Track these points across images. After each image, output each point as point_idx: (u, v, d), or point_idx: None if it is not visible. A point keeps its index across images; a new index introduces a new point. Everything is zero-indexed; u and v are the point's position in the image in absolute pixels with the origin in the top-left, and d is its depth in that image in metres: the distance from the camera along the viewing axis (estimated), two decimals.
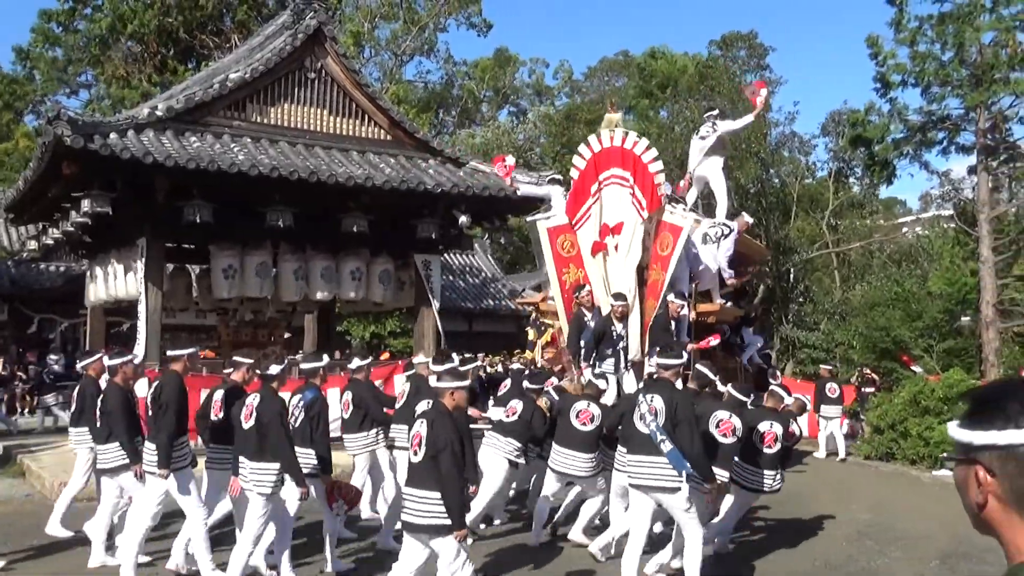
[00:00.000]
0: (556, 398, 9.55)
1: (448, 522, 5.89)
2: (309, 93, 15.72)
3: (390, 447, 9.65)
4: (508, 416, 9.22)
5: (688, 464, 7.18)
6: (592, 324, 11.52)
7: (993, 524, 1.62)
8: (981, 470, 1.61)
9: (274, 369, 7.30)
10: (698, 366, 8.64)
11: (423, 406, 7.25)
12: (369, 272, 16.29)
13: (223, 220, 14.13)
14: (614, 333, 11.37)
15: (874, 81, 22.20)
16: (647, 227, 12.46)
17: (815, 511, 11.32)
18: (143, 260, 14.33)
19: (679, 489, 7.27)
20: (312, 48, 15.68)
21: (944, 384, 15.68)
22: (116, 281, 15.56)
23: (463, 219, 15.61)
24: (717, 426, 8.34)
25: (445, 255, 27.50)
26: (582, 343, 11.45)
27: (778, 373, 14.60)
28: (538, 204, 17.29)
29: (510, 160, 15.36)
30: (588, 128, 41.27)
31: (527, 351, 20.39)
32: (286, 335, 20.23)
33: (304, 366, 8.32)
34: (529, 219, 13.61)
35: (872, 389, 20.08)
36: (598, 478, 9.03)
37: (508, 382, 11.38)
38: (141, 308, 14.27)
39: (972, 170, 23.46)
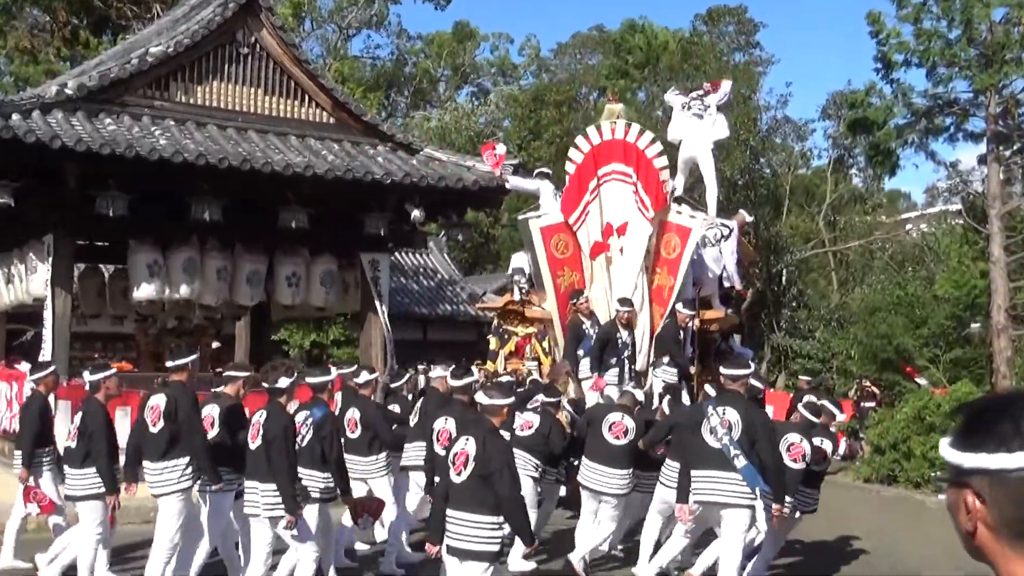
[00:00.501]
0: (572, 411, 10.00)
1: (495, 548, 6.26)
2: (241, 70, 15.62)
3: (403, 469, 9.86)
4: (523, 430, 9.42)
5: (763, 482, 7.58)
6: (591, 332, 11.84)
7: (985, 552, 1.65)
8: (970, 495, 1.63)
9: (283, 382, 7.64)
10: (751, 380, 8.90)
11: (458, 422, 7.80)
12: (309, 273, 16.22)
13: (142, 213, 13.99)
14: (619, 341, 11.76)
15: (875, 61, 22.51)
16: (653, 228, 12.74)
17: (810, 538, 11.45)
18: (50, 259, 14.16)
19: (750, 507, 7.71)
20: (245, 19, 15.60)
21: (951, 398, 15.95)
22: (19, 283, 15.36)
23: (416, 213, 15.58)
24: (788, 450, 8.65)
25: (396, 254, 27.48)
26: (580, 353, 11.77)
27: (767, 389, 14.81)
28: (500, 197, 17.35)
29: (501, 148, 15.62)
30: (558, 111, 41.50)
31: (488, 362, 20.43)
32: (214, 344, 20.06)
33: (312, 380, 8.44)
34: (521, 217, 13.90)
35: (872, 404, 20.36)
36: (625, 499, 9.36)
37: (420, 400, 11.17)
38: (47, 314, 14.09)
39: (982, 160, 23.83)
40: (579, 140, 13.31)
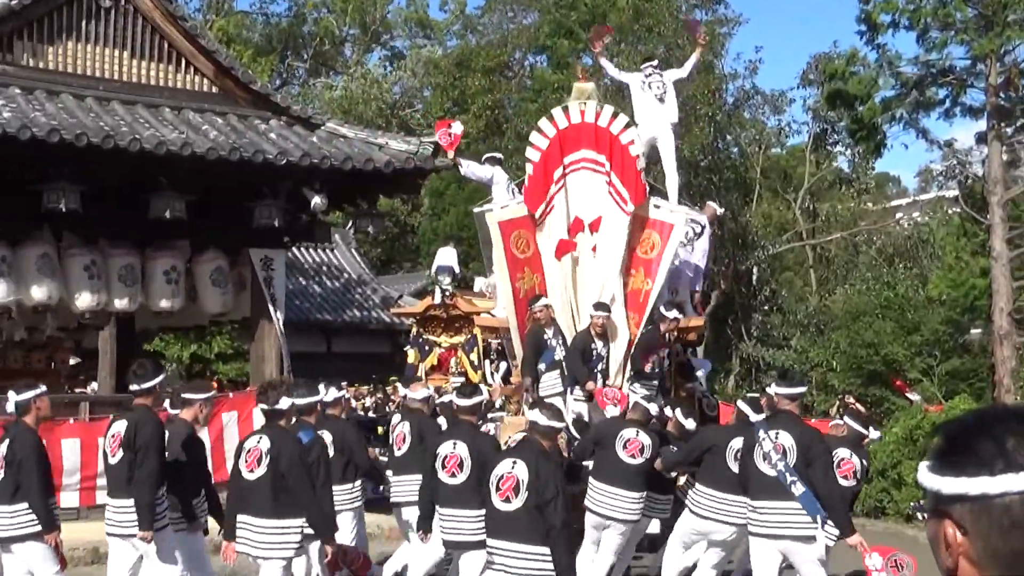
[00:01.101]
0: (572, 430, 10.50)
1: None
2: (103, 28, 15.44)
3: (395, 505, 10.36)
4: None
5: (822, 509, 8.10)
6: (554, 343, 12.07)
7: None
8: (950, 526, 1.67)
9: (284, 403, 7.96)
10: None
11: (469, 446, 8.31)
12: (193, 272, 16.10)
13: None
14: (594, 352, 11.98)
15: (858, 23, 22.92)
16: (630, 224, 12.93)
17: None
18: None
19: (813, 538, 8.23)
20: None
21: (948, 416, 16.30)
22: None
23: (317, 201, 15.54)
24: (838, 466, 9.09)
25: (293, 250, 27.29)
26: (541, 367, 11.91)
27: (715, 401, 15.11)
28: (419, 181, 17.37)
29: (457, 127, 15.35)
30: (487, 78, 41.56)
31: (405, 377, 20.39)
32: (73, 360, 19.78)
33: (299, 401, 8.63)
34: (477, 210, 14.14)
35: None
36: (634, 527, 9.81)
37: (406, 424, 11.12)
38: None
39: (981, 139, 24.38)
40: (543, 123, 13.39)
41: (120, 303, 15.67)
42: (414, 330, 19.74)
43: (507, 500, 6.75)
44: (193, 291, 16.12)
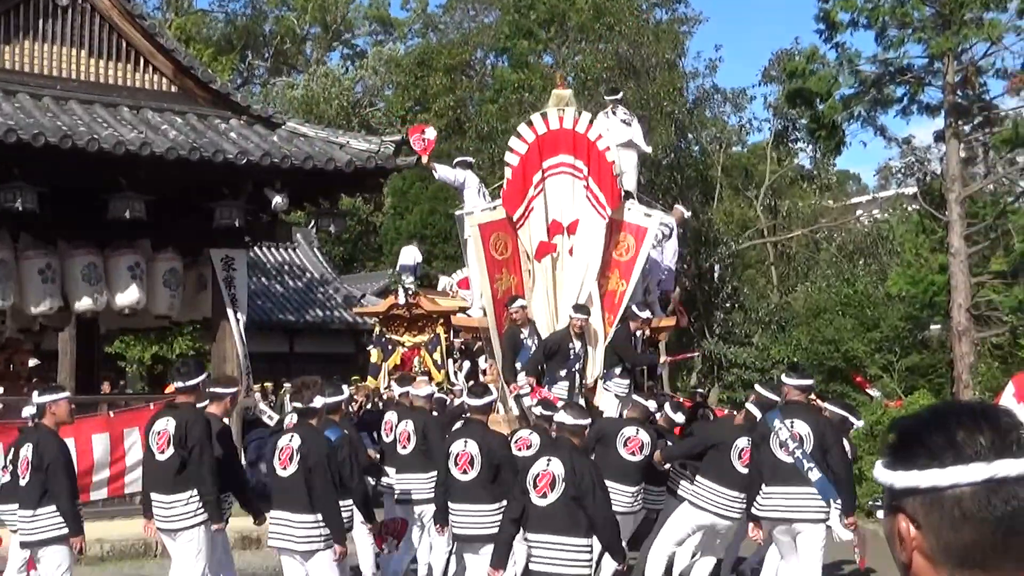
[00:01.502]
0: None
1: (588, 571, 7.32)
2: (60, 27, 15.31)
3: (404, 502, 10.61)
4: (521, 450, 9.80)
5: (836, 493, 8.69)
6: (530, 343, 12.60)
7: None
8: (903, 520, 1.68)
9: (317, 402, 8.31)
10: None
11: (480, 444, 8.79)
12: (150, 273, 15.97)
13: None
14: (571, 352, 12.39)
15: (817, 21, 23.07)
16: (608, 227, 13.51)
17: None
18: None
19: (824, 520, 8.78)
20: None
21: (907, 411, 16.43)
22: None
23: (278, 200, 15.47)
24: None
25: (255, 249, 27.18)
26: (518, 366, 12.41)
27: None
28: (380, 181, 17.32)
29: (431, 133, 15.75)
30: (448, 77, 41.54)
31: (369, 377, 20.38)
32: (32, 362, 19.60)
33: (328, 400, 8.98)
34: (457, 213, 14.65)
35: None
36: (633, 518, 10.24)
37: (409, 422, 11.19)
38: None
39: (939, 136, 24.59)
40: (522, 129, 13.84)
41: (84, 303, 15.51)
42: (377, 329, 19.76)
43: (544, 495, 7.22)
44: (148, 292, 16.00)
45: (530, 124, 13.85)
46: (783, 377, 9.78)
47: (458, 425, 10.22)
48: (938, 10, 22.13)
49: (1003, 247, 24.28)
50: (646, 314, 13.22)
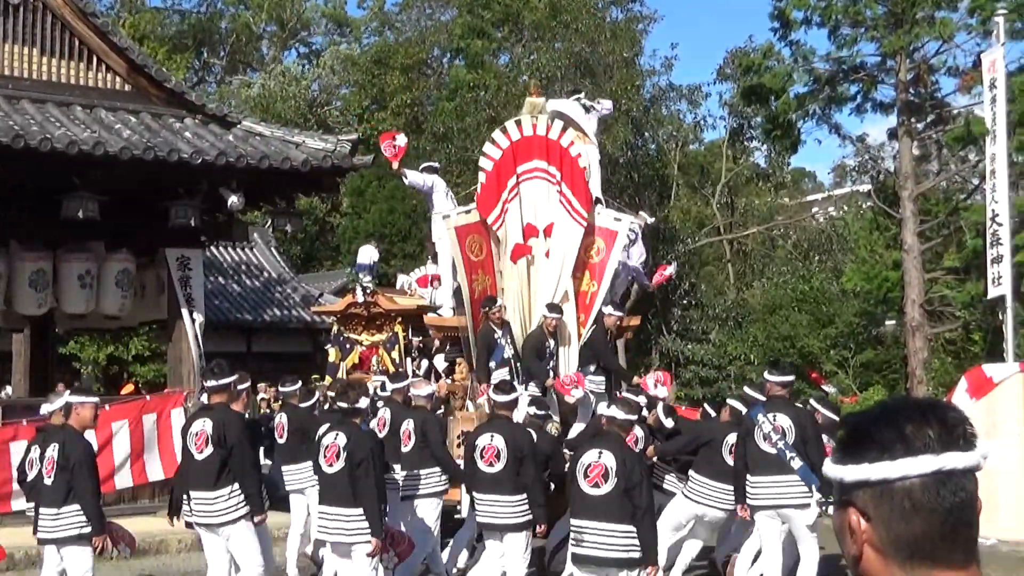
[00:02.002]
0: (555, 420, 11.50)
1: (637, 555, 7.83)
2: (11, 25, 15.17)
3: (408, 497, 10.82)
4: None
5: (817, 480, 9.12)
6: (503, 343, 13.06)
7: None
8: (854, 514, 1.71)
9: (363, 402, 8.89)
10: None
11: (507, 439, 9.24)
12: (102, 274, 15.85)
13: None
14: (547, 350, 13.02)
15: (771, 19, 23.24)
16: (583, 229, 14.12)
17: None
18: None
19: (809, 505, 9.37)
20: None
21: (862, 407, 16.57)
22: None
23: (234, 200, 15.41)
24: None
25: (211, 249, 27.02)
26: (492, 364, 12.84)
27: None
28: (337, 180, 17.31)
29: (401, 139, 15.91)
30: (405, 76, 41.45)
31: (327, 376, 20.32)
32: None
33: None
34: (436, 215, 15.18)
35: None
36: None
37: (410, 421, 11.34)
38: None
39: (893, 134, 24.85)
40: (497, 135, 14.24)
41: (28, 309, 15.41)
42: (335, 328, 19.67)
43: (596, 486, 7.84)
44: (100, 293, 15.88)
45: (504, 131, 14.24)
46: (765, 374, 10.38)
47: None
48: (890, 9, 22.36)
49: (956, 243, 24.59)
50: (618, 313, 13.86)
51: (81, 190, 14.59)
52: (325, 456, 8.57)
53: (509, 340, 13.15)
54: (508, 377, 12.54)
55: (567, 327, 13.63)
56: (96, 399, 9.18)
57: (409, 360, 19.14)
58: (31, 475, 9.04)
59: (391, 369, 18.34)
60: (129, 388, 20.16)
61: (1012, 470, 12.81)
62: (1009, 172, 17.68)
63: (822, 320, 27.08)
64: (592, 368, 13.40)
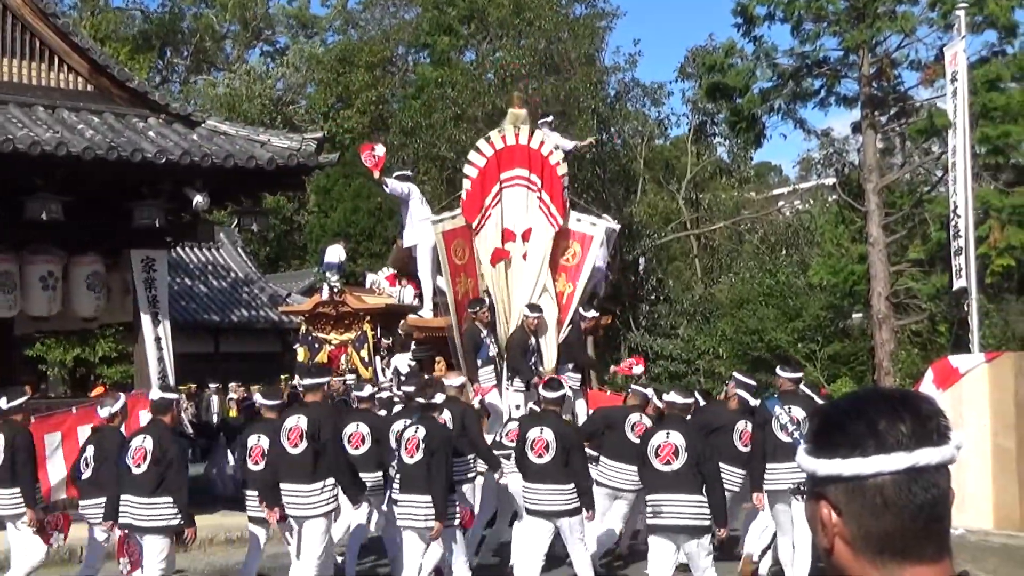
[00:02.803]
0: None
1: (708, 522, 9.00)
2: None
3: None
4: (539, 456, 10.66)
5: None
6: (488, 342, 13.96)
7: (844, 573, 1.70)
8: (825, 507, 1.70)
9: (438, 398, 9.77)
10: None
11: (555, 432, 9.93)
12: (70, 276, 15.75)
13: None
14: (529, 347, 13.99)
15: (734, 15, 23.34)
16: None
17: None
18: None
19: None
20: None
21: (830, 399, 16.68)
22: None
23: (199, 199, 15.33)
24: None
25: (176, 249, 26.88)
26: (479, 362, 13.73)
27: None
28: (302, 179, 17.33)
29: (380, 149, 16.93)
30: (370, 74, 41.38)
31: (296, 376, 20.26)
32: None
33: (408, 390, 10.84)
34: (426, 219, 15.84)
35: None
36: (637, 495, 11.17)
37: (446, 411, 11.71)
38: None
39: (856, 128, 25.02)
40: (481, 144, 15.21)
41: None
42: (303, 328, 19.64)
43: (668, 463, 9.01)
44: (67, 295, 15.77)
45: (489, 140, 15.21)
46: (778, 371, 11.14)
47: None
48: (852, 3, 22.52)
49: (920, 236, 24.76)
50: (592, 314, 14.82)
51: (44, 191, 14.50)
52: (406, 448, 9.41)
53: (493, 339, 14.04)
54: (492, 374, 13.63)
55: (547, 325, 14.50)
56: (177, 396, 10.23)
57: (378, 358, 19.14)
58: (85, 473, 9.97)
59: (360, 368, 18.36)
60: (100, 390, 20.01)
61: (979, 461, 12.89)
62: (972, 164, 17.82)
63: (789, 314, 27.19)
64: (570, 366, 14.28)
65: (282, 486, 9.39)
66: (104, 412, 10.09)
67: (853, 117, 24.86)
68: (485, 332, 13.95)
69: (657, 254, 37.22)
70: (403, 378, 15.23)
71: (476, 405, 13.09)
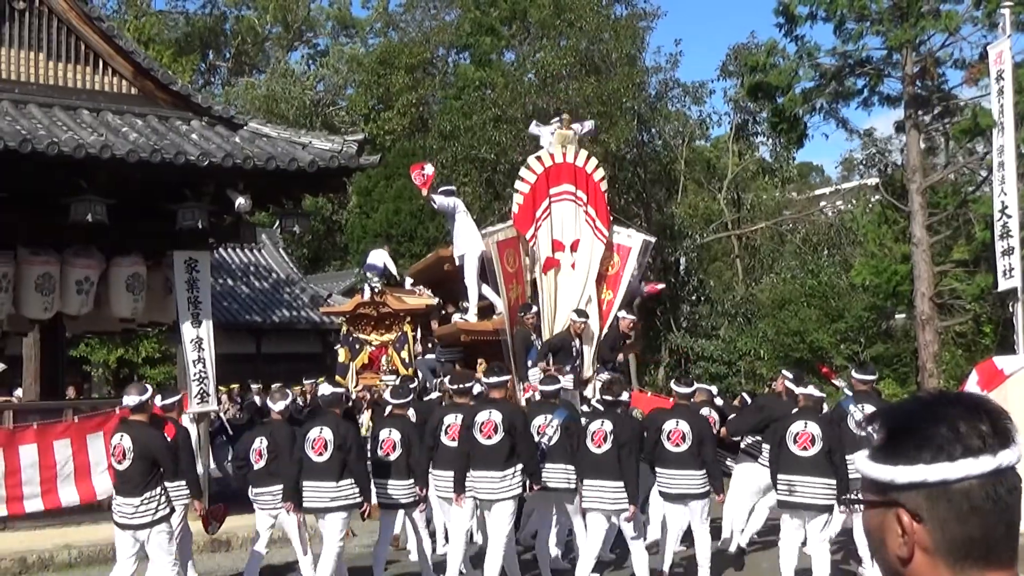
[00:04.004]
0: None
1: (834, 503, 10.12)
2: (17, 30, 15.18)
3: (541, 488, 11.42)
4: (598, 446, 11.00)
5: None
6: (537, 344, 15.43)
7: None
8: (905, 515, 1.66)
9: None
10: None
11: (615, 424, 10.64)
12: (110, 277, 15.87)
13: None
14: (573, 349, 15.29)
15: (776, 15, 23.20)
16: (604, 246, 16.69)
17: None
18: None
19: None
20: None
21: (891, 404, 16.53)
22: None
23: (241, 201, 15.40)
24: None
25: (219, 251, 27.06)
26: (529, 363, 15.03)
27: None
28: (343, 180, 17.45)
29: (429, 169, 18.17)
30: (410, 76, 41.45)
31: (337, 376, 20.32)
32: None
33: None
34: (482, 232, 17.09)
35: None
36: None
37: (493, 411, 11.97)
38: None
39: (900, 127, 24.82)
40: (532, 162, 16.88)
41: (34, 312, 15.43)
42: (344, 329, 19.71)
43: (805, 448, 10.29)
44: (105, 296, 15.88)
45: (539, 159, 16.85)
46: (853, 373, 12.44)
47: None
48: (895, 2, 22.32)
49: (965, 236, 24.53)
50: (632, 317, 16.44)
51: (89, 193, 14.60)
52: (594, 440, 10.55)
53: (540, 341, 15.58)
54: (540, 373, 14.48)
55: (592, 329, 16.02)
56: (343, 389, 11.42)
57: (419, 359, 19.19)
58: (258, 464, 10.72)
59: (400, 369, 18.41)
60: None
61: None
62: (1017, 164, 17.65)
63: (831, 314, 27.03)
64: (608, 367, 15.68)
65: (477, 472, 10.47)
66: (129, 400, 9.96)
67: (896, 116, 24.68)
68: (534, 336, 15.51)
69: (699, 255, 37.07)
70: (439, 379, 16.19)
71: (523, 402, 13.77)
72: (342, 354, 19.46)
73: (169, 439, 10.16)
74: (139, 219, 15.76)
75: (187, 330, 15.79)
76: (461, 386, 11.36)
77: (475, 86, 33.95)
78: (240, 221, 17.16)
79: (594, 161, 17.10)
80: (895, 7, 22.31)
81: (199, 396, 15.40)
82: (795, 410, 11.19)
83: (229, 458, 16.27)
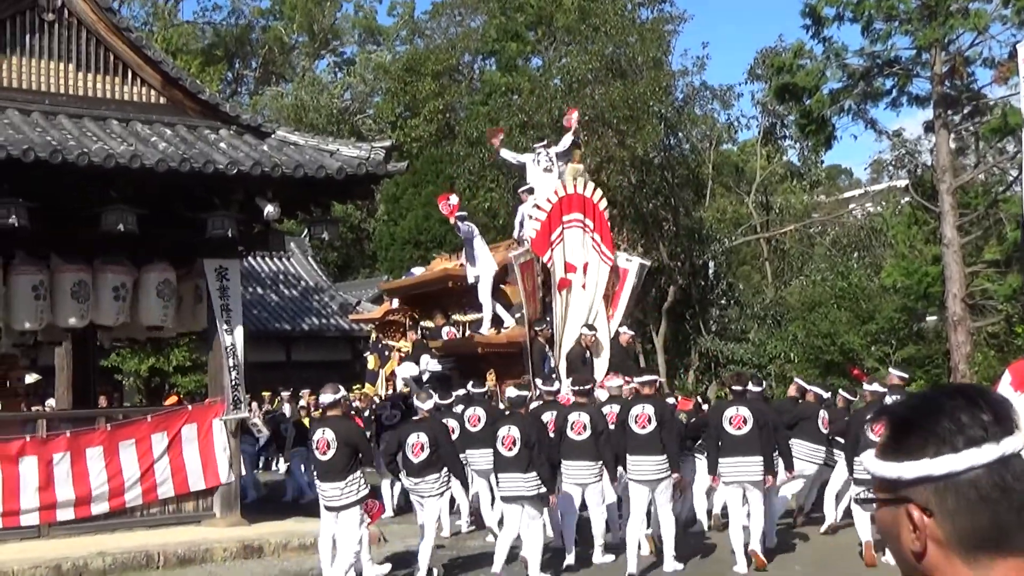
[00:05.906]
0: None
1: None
2: (47, 42, 15.28)
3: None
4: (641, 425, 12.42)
5: None
6: (550, 354, 17.95)
7: None
8: (916, 510, 1.66)
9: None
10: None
11: (656, 412, 12.14)
12: (141, 285, 15.95)
13: None
14: (583, 358, 17.41)
15: (803, 16, 23.12)
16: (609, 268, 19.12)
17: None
18: None
19: None
20: None
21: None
22: None
23: (270, 209, 15.44)
24: None
25: (248, 259, 27.17)
26: (545, 371, 16.88)
27: None
28: (371, 187, 17.54)
29: (454, 199, 19.95)
30: (436, 83, 41.53)
31: (367, 383, 20.38)
32: (32, 377, 19.61)
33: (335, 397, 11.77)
34: (487, 254, 19.17)
35: None
36: None
37: (582, 413, 13.14)
38: None
39: (929, 128, 24.68)
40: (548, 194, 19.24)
41: (71, 320, 15.51)
42: (373, 335, 19.79)
43: (739, 428, 11.97)
44: (135, 304, 15.96)
45: (555, 190, 19.05)
46: (891, 370, 14.61)
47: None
48: (924, 2, 22.20)
49: (996, 236, 24.39)
50: (631, 333, 19.36)
51: (119, 203, 14.68)
52: (637, 422, 11.91)
53: (552, 353, 17.87)
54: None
55: (600, 342, 18.21)
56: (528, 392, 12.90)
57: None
58: (323, 457, 11.04)
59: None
60: (173, 399, 20.25)
61: None
62: None
63: (862, 316, 26.87)
64: (614, 374, 16.79)
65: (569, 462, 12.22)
66: (325, 398, 11.43)
67: (925, 117, 24.56)
68: (548, 347, 17.85)
69: (728, 258, 36.95)
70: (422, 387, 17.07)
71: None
72: (371, 361, 19.54)
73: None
74: (168, 228, 15.83)
75: (220, 338, 15.88)
76: (581, 387, 13.02)
77: (501, 92, 33.98)
78: (269, 229, 17.21)
79: (599, 192, 19.65)
80: (923, 6, 22.19)
81: (233, 403, 15.49)
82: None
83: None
